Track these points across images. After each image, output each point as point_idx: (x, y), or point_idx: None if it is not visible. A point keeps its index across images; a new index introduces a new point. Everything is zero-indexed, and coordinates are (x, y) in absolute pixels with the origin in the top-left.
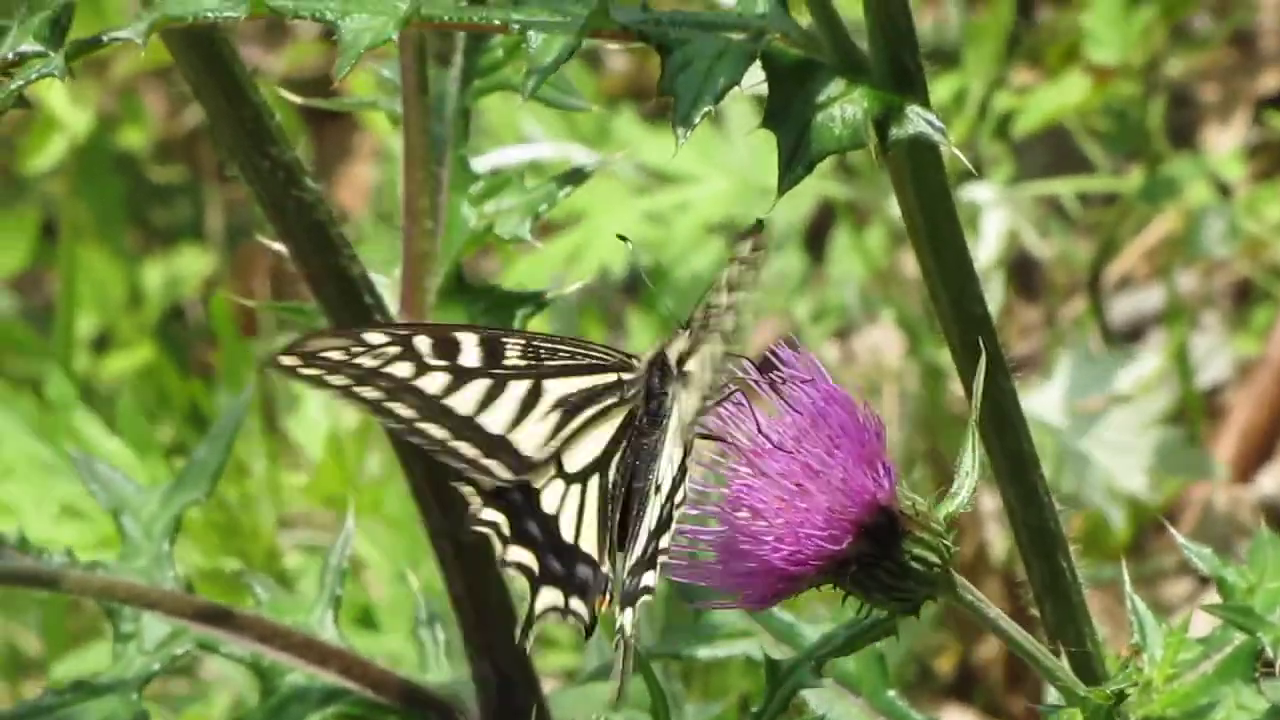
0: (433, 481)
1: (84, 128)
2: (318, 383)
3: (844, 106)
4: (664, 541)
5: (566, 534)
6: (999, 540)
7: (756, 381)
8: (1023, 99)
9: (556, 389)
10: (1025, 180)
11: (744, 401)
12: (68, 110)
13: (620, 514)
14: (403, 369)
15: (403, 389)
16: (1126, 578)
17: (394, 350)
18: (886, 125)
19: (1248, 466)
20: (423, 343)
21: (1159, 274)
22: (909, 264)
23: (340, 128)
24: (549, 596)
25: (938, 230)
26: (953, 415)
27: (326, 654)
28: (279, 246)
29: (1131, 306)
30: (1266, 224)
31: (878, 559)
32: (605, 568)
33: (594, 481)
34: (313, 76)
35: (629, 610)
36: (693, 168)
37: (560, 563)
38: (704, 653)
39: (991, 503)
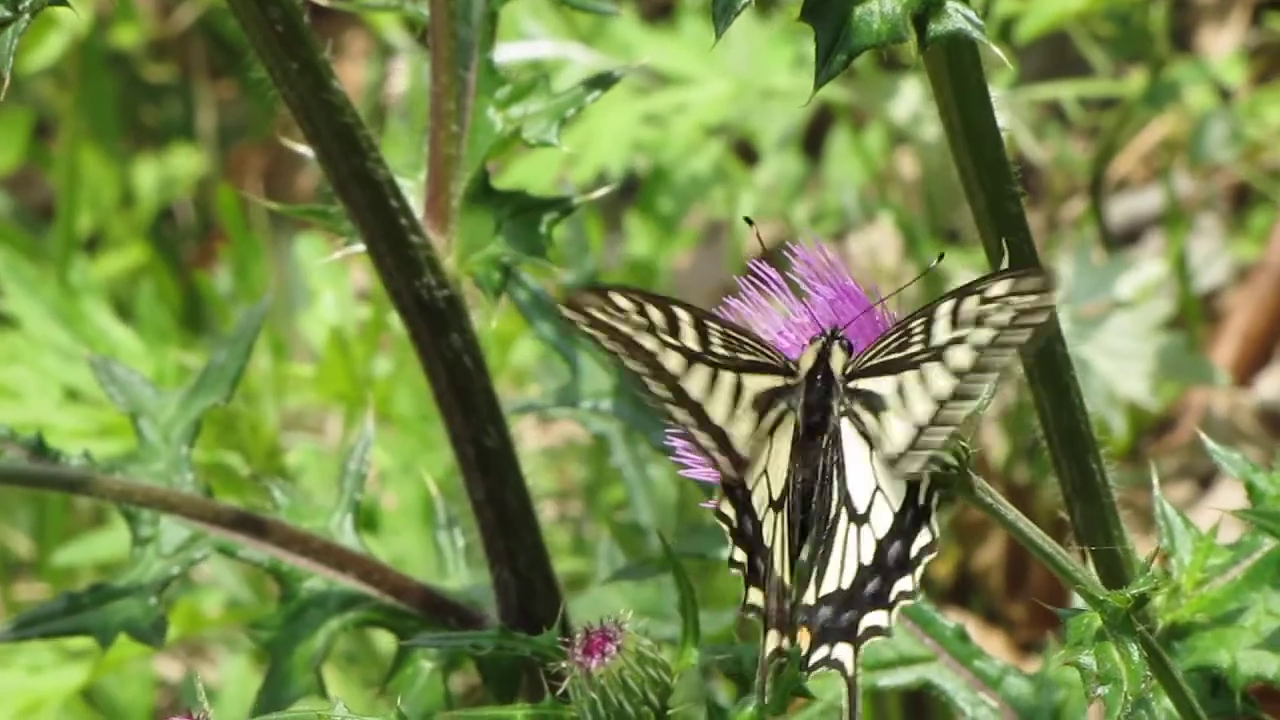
0: (456, 386)
1: (82, 26)
2: (598, 340)
3: (883, 1)
4: (904, 585)
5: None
6: (998, 444)
7: (773, 278)
8: (1025, 3)
9: (751, 385)
10: (1023, 83)
11: (760, 300)
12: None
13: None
14: (649, 342)
15: (654, 364)
16: (1156, 483)
17: (638, 318)
18: (925, 21)
19: (1247, 371)
20: (655, 314)
21: (1156, 176)
22: (907, 166)
23: (331, 25)
24: (755, 596)
25: (975, 129)
26: None
27: (346, 559)
28: (305, 150)
29: (1129, 208)
30: (1267, 128)
31: None
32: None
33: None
34: None
35: (845, 648)
36: (691, 69)
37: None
38: (728, 554)
39: (990, 407)
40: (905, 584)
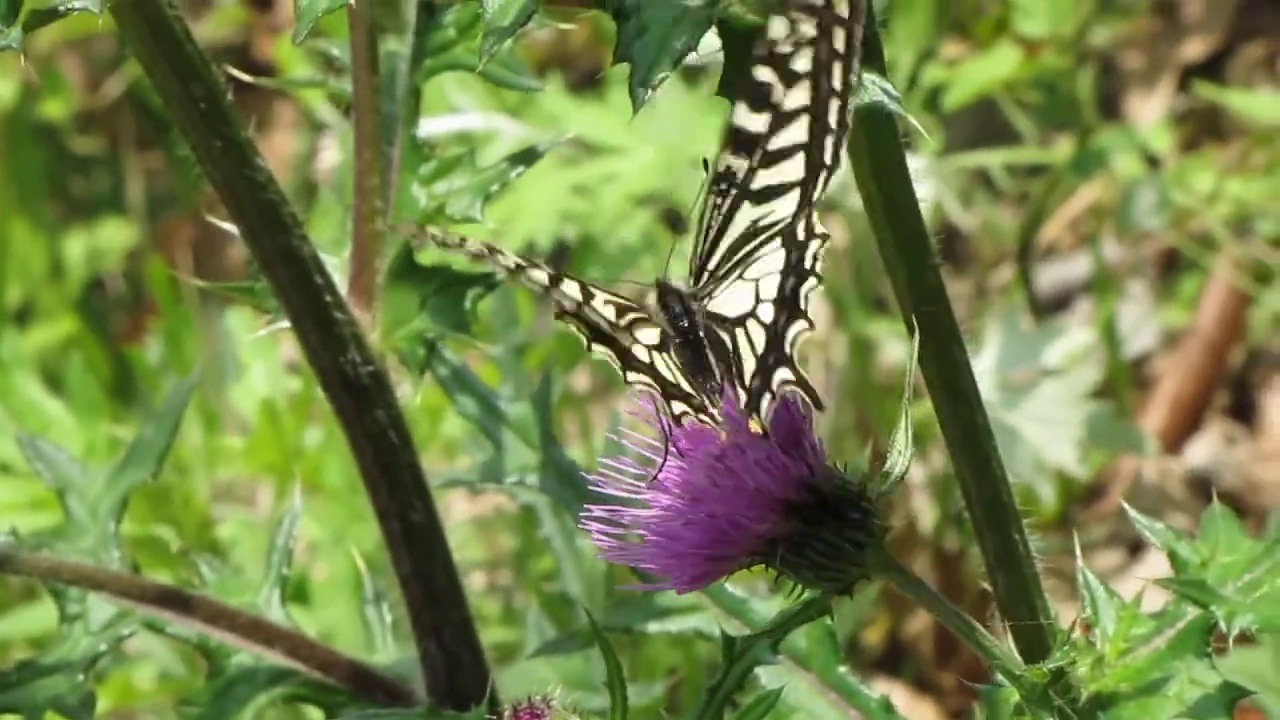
0: (381, 462)
1: (9, 98)
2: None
3: None
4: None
5: (665, 374)
6: (927, 512)
7: None
8: (952, 71)
9: (600, 295)
10: (950, 151)
11: None
12: None
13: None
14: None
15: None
16: (1079, 551)
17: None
18: None
19: (1176, 438)
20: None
21: (1084, 242)
22: (836, 234)
23: (259, 96)
24: (678, 407)
25: (894, 201)
26: (881, 386)
27: (273, 635)
28: (230, 227)
29: (1057, 275)
30: (1195, 194)
31: (807, 539)
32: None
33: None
34: (231, 44)
35: (782, 370)
36: (619, 139)
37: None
38: (655, 627)
39: (919, 474)
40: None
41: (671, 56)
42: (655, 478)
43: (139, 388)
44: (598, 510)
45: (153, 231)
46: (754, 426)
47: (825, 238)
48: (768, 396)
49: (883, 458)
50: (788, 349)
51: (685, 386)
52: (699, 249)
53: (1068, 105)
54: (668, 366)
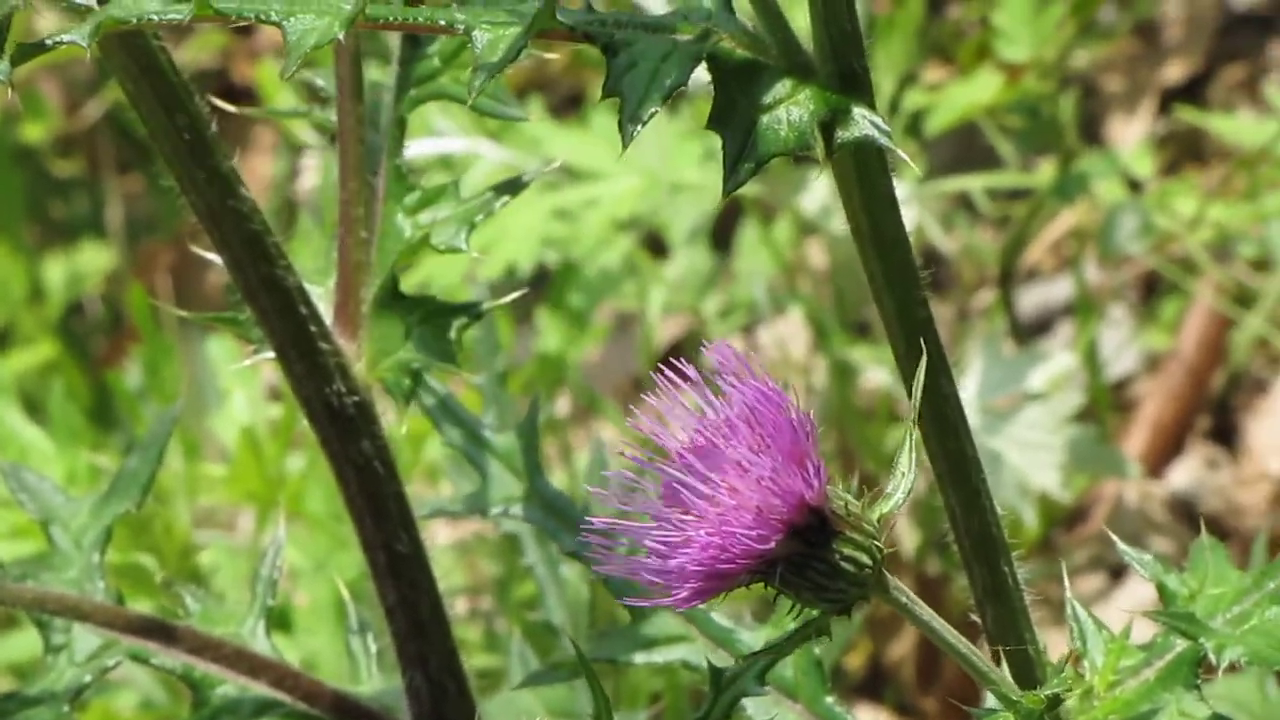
0: (366, 492)
1: None
2: None
3: (790, 109)
4: None
5: None
6: (909, 537)
7: (689, 378)
8: (934, 96)
9: None
10: (932, 175)
11: (677, 398)
12: None
13: None
14: None
15: None
16: (1067, 581)
17: None
18: (832, 128)
19: (1158, 461)
20: None
21: (1066, 266)
22: (816, 256)
23: (238, 119)
24: None
25: (882, 234)
26: (862, 411)
27: (258, 666)
28: (214, 256)
29: (1039, 298)
30: (1176, 218)
31: (808, 559)
32: None
33: None
34: (210, 68)
35: None
36: (601, 164)
37: None
38: (640, 658)
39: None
40: None
41: (661, 92)
42: (655, 493)
43: (119, 412)
44: (597, 523)
45: (132, 255)
46: None
47: None
48: None
49: (870, 481)
50: None
51: None
52: None
53: (1049, 129)
54: None
